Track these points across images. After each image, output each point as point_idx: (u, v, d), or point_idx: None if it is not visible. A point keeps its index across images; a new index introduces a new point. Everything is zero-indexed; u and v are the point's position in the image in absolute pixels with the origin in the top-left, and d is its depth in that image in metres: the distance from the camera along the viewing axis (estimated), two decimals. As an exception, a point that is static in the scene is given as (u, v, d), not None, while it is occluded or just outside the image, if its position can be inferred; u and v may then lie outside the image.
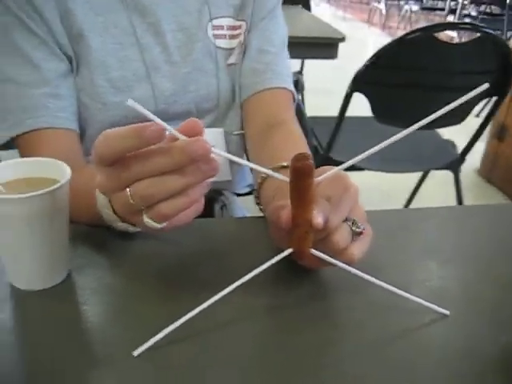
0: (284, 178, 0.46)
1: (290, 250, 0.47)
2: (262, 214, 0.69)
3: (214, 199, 0.92)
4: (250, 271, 0.47)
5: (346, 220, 0.49)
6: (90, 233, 0.63)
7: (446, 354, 0.47)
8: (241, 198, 1.08)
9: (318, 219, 0.44)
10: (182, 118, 0.82)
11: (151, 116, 0.40)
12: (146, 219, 0.47)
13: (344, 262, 0.48)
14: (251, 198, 0.71)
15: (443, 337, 0.49)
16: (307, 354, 0.46)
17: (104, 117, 0.78)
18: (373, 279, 0.49)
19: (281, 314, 0.52)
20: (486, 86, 0.39)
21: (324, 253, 0.48)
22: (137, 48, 0.78)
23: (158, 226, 0.47)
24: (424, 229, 0.71)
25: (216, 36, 0.84)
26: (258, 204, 0.70)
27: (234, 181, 0.97)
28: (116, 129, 0.43)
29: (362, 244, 0.50)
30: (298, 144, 0.76)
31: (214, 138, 0.85)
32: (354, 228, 0.49)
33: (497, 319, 0.53)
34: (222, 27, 0.84)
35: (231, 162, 0.88)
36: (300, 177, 0.42)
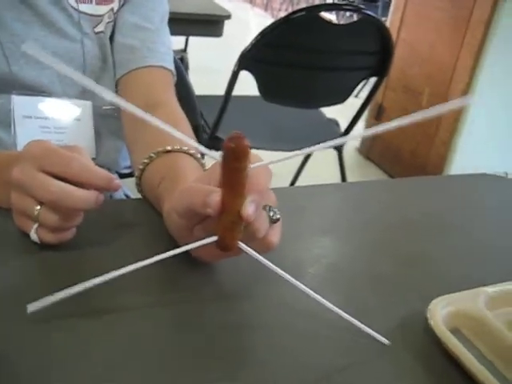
0: (217, 156, 0.41)
1: (214, 238, 0.43)
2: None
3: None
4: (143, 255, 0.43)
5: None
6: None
7: (347, 330, 0.47)
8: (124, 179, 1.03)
9: (249, 210, 0.40)
10: (42, 85, 0.76)
11: (49, 60, 0.35)
12: (33, 233, 0.51)
13: (262, 250, 0.45)
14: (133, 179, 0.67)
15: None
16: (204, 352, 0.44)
17: None
18: (307, 290, 0.45)
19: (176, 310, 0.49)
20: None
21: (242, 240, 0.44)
22: None
23: (37, 241, 0.51)
24: (313, 206, 0.71)
25: (80, 0, 0.78)
26: (140, 192, 0.66)
27: (113, 160, 0.92)
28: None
29: (278, 229, 0.48)
30: (180, 126, 0.71)
31: (81, 112, 0.80)
32: (271, 214, 0.46)
33: (396, 293, 0.54)
34: None
35: (97, 139, 0.83)
36: (233, 158, 0.38)
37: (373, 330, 0.46)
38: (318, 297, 0.45)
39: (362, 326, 0.45)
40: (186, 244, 0.45)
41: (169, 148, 0.62)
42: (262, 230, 0.44)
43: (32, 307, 0.41)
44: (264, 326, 0.47)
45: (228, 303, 0.49)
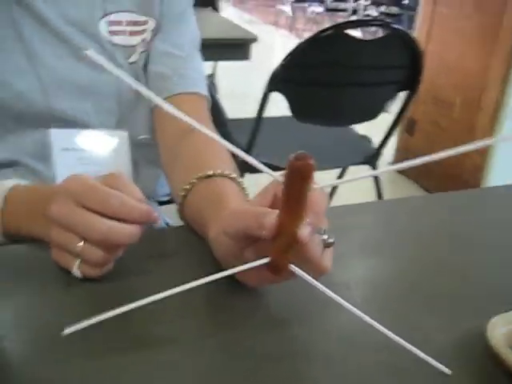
0: (279, 177, 0.40)
1: (265, 260, 0.42)
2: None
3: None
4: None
5: None
6: None
7: (406, 356, 0.45)
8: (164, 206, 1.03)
9: (305, 232, 0.39)
10: (78, 117, 0.77)
11: (110, 67, 0.35)
12: (75, 269, 0.50)
13: (314, 274, 0.44)
14: (173, 206, 0.66)
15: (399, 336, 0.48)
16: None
17: None
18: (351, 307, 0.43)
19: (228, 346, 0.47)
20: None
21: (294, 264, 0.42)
22: (17, 40, 0.72)
23: (79, 276, 0.51)
24: (354, 225, 0.70)
25: (113, 32, 0.78)
26: (182, 218, 0.65)
27: (152, 188, 0.92)
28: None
29: (331, 254, 0.46)
30: (218, 150, 0.71)
31: (117, 142, 0.80)
32: (325, 238, 0.45)
33: (450, 311, 0.52)
34: (120, 23, 0.78)
35: (135, 169, 0.83)
36: (298, 178, 0.37)
37: (429, 349, 0.44)
38: (376, 323, 0.43)
39: (424, 356, 0.43)
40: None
41: (210, 173, 0.62)
42: (315, 254, 0.43)
43: (68, 330, 0.40)
44: (319, 355, 0.46)
45: (278, 330, 0.48)
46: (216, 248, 0.52)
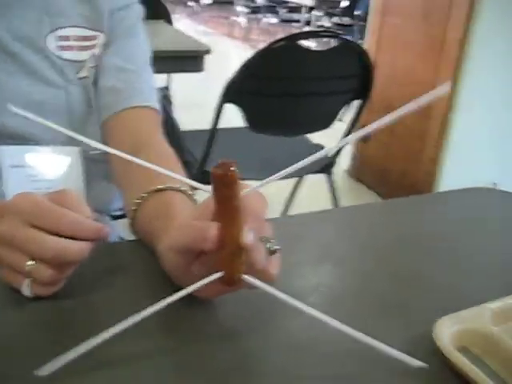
0: (207, 188, 0.41)
1: (218, 274, 0.42)
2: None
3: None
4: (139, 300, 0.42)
5: None
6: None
7: (358, 359, 0.46)
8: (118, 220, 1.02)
9: (247, 238, 0.40)
10: (30, 133, 0.76)
11: (35, 118, 0.35)
12: (25, 288, 0.49)
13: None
14: (127, 220, 0.66)
15: (347, 342, 0.48)
16: None
17: None
18: (309, 308, 0.43)
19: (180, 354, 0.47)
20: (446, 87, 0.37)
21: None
22: None
23: (29, 295, 0.50)
24: (307, 234, 0.71)
25: (62, 47, 0.78)
26: (133, 233, 0.65)
27: (105, 203, 0.91)
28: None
29: (278, 261, 0.47)
30: (169, 164, 0.71)
31: (69, 158, 0.79)
32: (268, 246, 0.45)
33: (399, 315, 0.53)
34: (68, 38, 0.78)
35: (88, 184, 0.82)
36: (223, 185, 0.38)
37: (381, 353, 0.45)
38: (336, 321, 0.43)
39: (395, 352, 0.42)
40: (183, 282, 0.45)
41: (160, 187, 0.62)
42: (260, 262, 0.43)
43: (42, 371, 0.39)
44: (273, 366, 0.46)
45: (231, 342, 0.48)
46: (164, 262, 0.53)
